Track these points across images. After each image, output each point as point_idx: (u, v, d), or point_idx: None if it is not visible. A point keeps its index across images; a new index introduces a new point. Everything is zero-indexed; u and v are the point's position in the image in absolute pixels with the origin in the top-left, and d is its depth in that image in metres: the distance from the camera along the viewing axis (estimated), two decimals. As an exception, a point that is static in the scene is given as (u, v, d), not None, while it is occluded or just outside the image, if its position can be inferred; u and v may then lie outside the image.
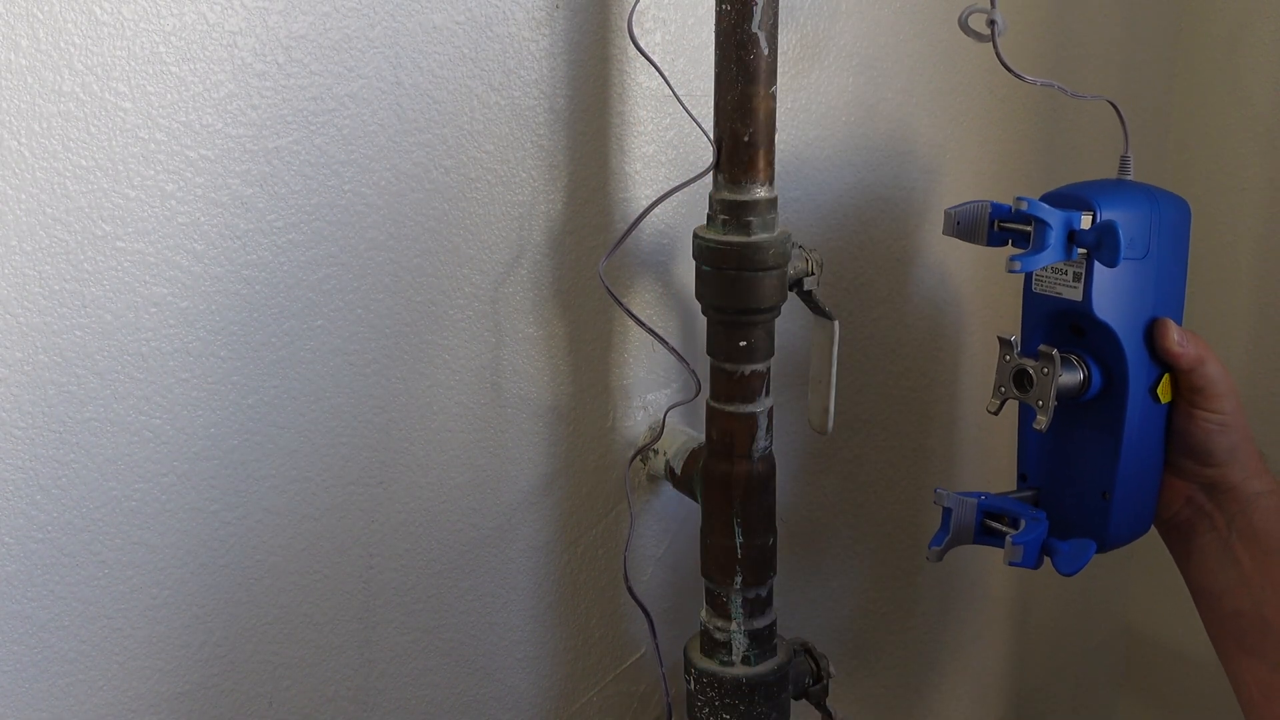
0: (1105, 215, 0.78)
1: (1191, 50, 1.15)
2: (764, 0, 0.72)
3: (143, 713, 0.73)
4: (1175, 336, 0.82)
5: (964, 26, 0.81)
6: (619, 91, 0.81)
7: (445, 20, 0.74)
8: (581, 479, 0.88)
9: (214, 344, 0.70)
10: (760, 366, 0.79)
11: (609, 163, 0.82)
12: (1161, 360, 0.83)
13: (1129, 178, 0.86)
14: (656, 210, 0.82)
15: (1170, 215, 0.83)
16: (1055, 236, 0.75)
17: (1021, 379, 0.82)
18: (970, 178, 1.04)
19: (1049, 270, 0.82)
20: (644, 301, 0.86)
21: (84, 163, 0.64)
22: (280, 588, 0.77)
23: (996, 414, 0.85)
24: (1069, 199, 0.80)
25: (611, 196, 0.83)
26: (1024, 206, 0.76)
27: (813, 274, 0.80)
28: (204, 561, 0.74)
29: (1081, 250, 0.77)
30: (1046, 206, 0.76)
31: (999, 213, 0.78)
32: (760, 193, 0.76)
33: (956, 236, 0.80)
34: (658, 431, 0.87)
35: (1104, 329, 0.81)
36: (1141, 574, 1.34)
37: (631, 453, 0.88)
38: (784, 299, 0.79)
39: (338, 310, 0.74)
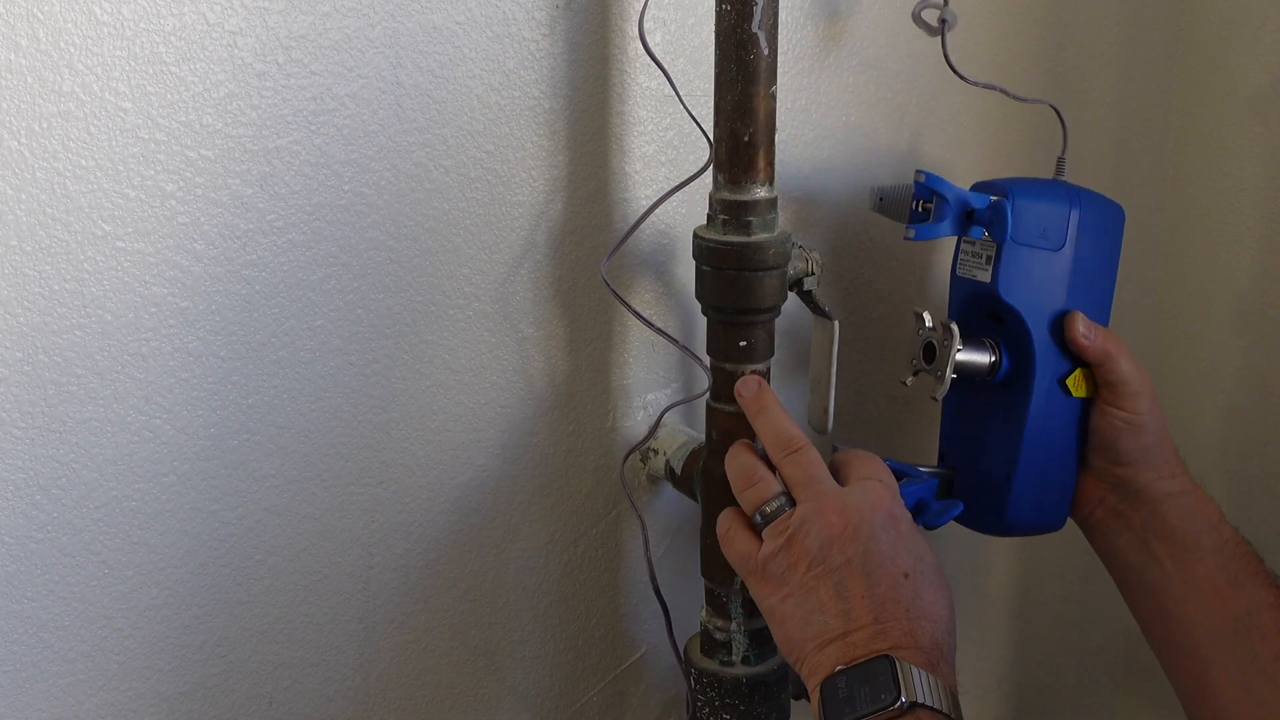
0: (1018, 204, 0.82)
1: (1191, 50, 1.15)
2: (764, 0, 0.72)
3: (143, 713, 0.74)
4: (1081, 328, 0.83)
5: (917, 19, 0.82)
6: (619, 91, 0.81)
7: (445, 20, 0.74)
8: (581, 479, 0.88)
9: (214, 344, 0.71)
10: (760, 366, 0.79)
11: (609, 163, 0.82)
12: (1072, 353, 0.84)
13: (1062, 178, 0.89)
14: (656, 210, 0.82)
15: (1095, 216, 0.86)
16: (950, 211, 0.80)
17: (928, 352, 0.85)
18: (970, 177, 1.04)
19: (968, 254, 0.85)
20: (644, 301, 0.86)
21: (84, 163, 0.64)
22: (280, 588, 0.77)
23: (908, 385, 0.86)
24: (989, 187, 0.84)
25: (612, 197, 0.83)
26: (922, 179, 0.81)
27: (813, 274, 0.80)
28: (204, 561, 0.74)
29: (985, 234, 0.81)
30: (945, 181, 0.81)
31: (921, 193, 0.82)
32: (760, 193, 0.76)
33: (880, 213, 0.84)
34: (652, 429, 0.87)
35: (1012, 313, 0.84)
36: (1141, 574, 1.34)
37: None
38: (784, 299, 0.79)
39: (338, 310, 0.74)
